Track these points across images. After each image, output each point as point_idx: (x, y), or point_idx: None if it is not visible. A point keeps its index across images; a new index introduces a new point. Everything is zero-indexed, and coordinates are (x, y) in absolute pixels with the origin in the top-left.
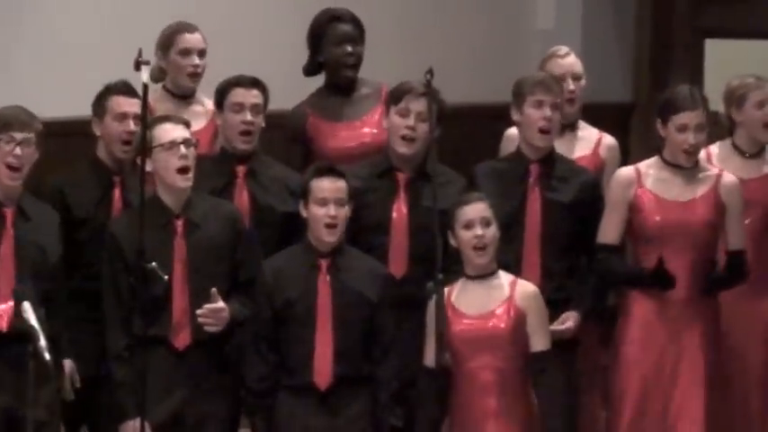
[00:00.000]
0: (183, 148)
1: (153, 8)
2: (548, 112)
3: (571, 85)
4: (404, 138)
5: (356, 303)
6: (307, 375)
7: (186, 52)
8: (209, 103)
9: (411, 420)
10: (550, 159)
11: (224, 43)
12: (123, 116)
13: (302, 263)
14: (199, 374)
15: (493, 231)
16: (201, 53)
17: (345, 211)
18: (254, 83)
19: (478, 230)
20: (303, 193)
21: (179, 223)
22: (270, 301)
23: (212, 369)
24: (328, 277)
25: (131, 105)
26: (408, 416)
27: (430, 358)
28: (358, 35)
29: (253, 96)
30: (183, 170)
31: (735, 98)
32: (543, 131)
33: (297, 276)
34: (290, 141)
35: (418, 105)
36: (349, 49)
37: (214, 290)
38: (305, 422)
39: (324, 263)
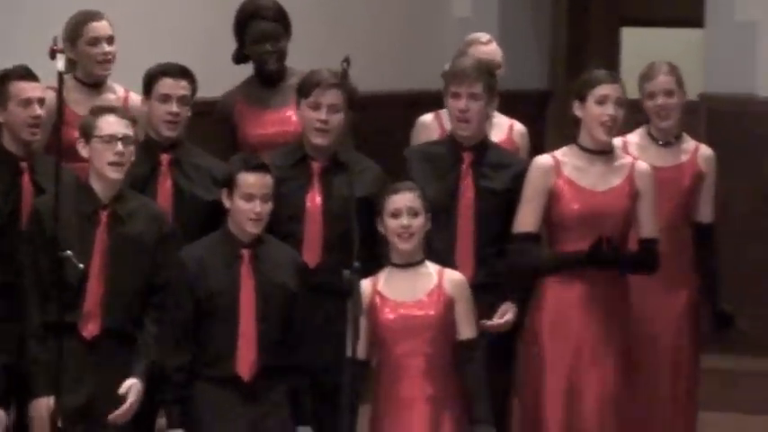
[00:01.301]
0: (120, 145)
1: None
2: (462, 104)
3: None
4: (317, 130)
5: (278, 294)
6: (230, 366)
7: (95, 41)
8: (122, 90)
9: (326, 407)
10: (483, 147)
11: (143, 30)
12: (27, 101)
13: (224, 253)
14: (107, 365)
15: (420, 221)
16: (110, 40)
17: (269, 207)
18: (183, 73)
19: (404, 220)
20: (228, 183)
21: (104, 214)
22: (191, 291)
23: (120, 360)
24: (250, 268)
25: (34, 90)
26: (322, 402)
27: (349, 347)
28: (280, 30)
29: (181, 88)
30: (114, 164)
31: (640, 85)
32: (461, 121)
33: (219, 267)
34: (218, 127)
35: (329, 97)
36: (269, 47)
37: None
38: (228, 413)
39: (246, 253)
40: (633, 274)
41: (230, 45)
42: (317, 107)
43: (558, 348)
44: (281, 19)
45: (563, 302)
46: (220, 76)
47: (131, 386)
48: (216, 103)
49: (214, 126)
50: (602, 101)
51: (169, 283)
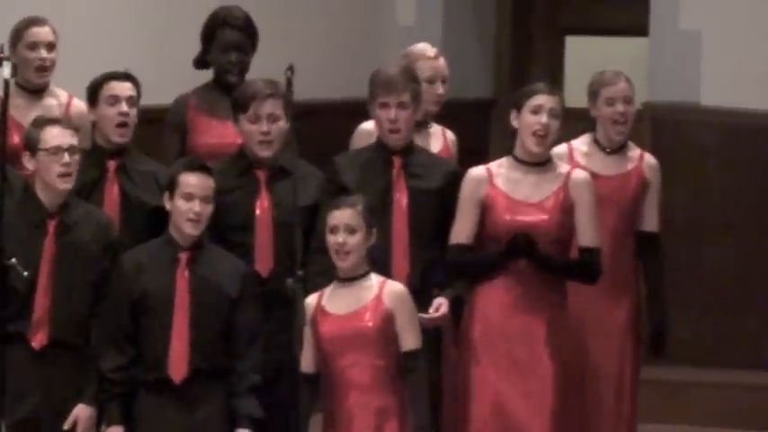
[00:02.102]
0: (66, 156)
1: (14, 2)
2: (392, 114)
3: (440, 89)
4: (261, 143)
5: (215, 298)
6: (162, 369)
7: (33, 46)
8: (64, 96)
9: (273, 415)
10: (411, 150)
11: (89, 37)
12: None
13: (162, 255)
14: (55, 375)
15: (357, 239)
16: (50, 47)
17: (210, 209)
18: (127, 76)
19: (340, 237)
20: (169, 186)
21: (52, 223)
22: (128, 292)
23: (70, 370)
24: (187, 271)
25: None
26: (269, 410)
27: (305, 365)
28: (247, 43)
29: (127, 89)
30: (63, 175)
31: (591, 93)
32: (391, 131)
33: (156, 268)
34: (169, 128)
35: (267, 108)
36: (234, 57)
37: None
38: (162, 417)
39: (183, 256)
40: (574, 281)
41: (178, 53)
42: (256, 119)
43: (490, 356)
44: (251, 32)
45: (495, 309)
46: (167, 84)
47: (79, 416)
48: (163, 111)
49: (166, 129)
50: (536, 110)
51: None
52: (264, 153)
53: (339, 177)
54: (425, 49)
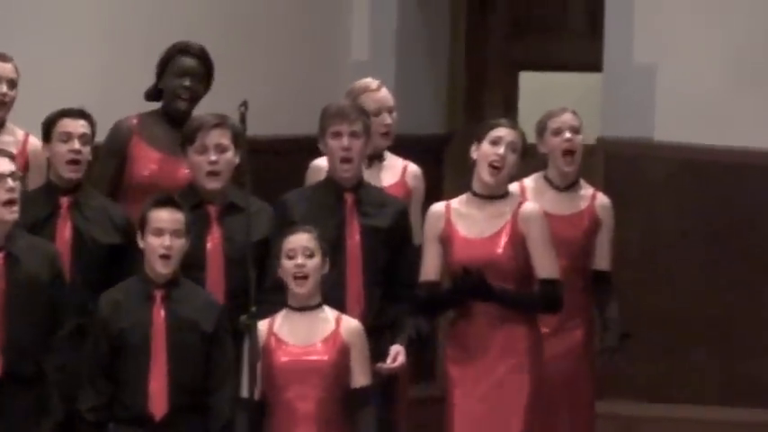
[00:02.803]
0: (9, 181)
1: None
2: (345, 141)
3: (388, 119)
4: (209, 174)
5: (191, 334)
6: (142, 406)
7: None
8: (21, 133)
9: None
10: (362, 187)
11: (45, 74)
12: None
13: (138, 293)
14: (12, 409)
15: (315, 262)
16: (11, 83)
17: (182, 243)
18: (82, 114)
19: (299, 260)
20: (141, 224)
21: (0, 256)
22: (105, 331)
23: (25, 404)
24: (162, 308)
25: None
26: None
27: (245, 389)
28: (203, 72)
29: (80, 126)
30: (9, 203)
31: (539, 129)
32: (344, 161)
33: (132, 307)
34: (109, 151)
35: (214, 138)
36: (187, 83)
37: None
38: None
39: (158, 294)
40: (535, 313)
41: (128, 90)
42: (203, 150)
43: (466, 388)
44: (206, 63)
45: (467, 342)
46: (118, 118)
47: None
48: None
49: (102, 153)
50: (495, 141)
51: (63, 323)
52: (212, 185)
53: (290, 214)
54: (368, 82)
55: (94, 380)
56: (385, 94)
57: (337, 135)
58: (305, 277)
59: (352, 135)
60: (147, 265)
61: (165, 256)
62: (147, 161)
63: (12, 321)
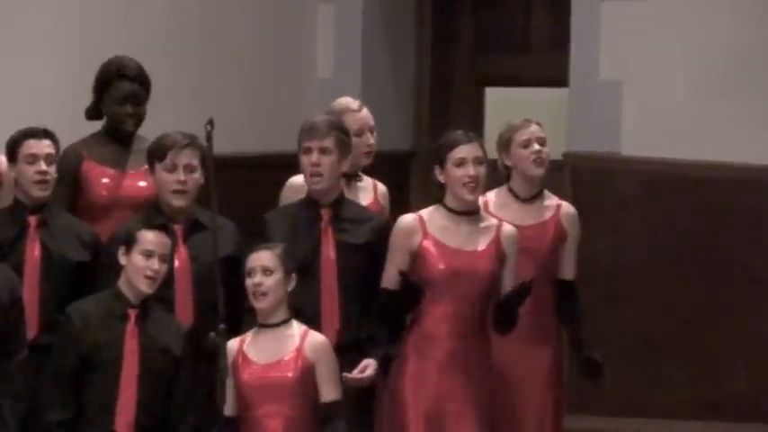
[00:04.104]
0: None
1: None
2: (314, 157)
3: (371, 139)
4: (176, 192)
5: (161, 357)
6: (107, 424)
7: None
8: None
9: None
10: (339, 203)
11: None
12: None
13: (111, 310)
14: None
15: (274, 280)
16: None
17: (165, 268)
18: (46, 134)
19: (256, 278)
20: (127, 241)
21: None
22: (76, 344)
23: None
24: (136, 328)
25: None
26: None
27: (219, 408)
28: (142, 93)
29: (46, 146)
30: None
31: (503, 143)
32: (313, 176)
33: (104, 323)
34: (62, 179)
35: (184, 158)
36: (130, 110)
37: None
38: None
39: (133, 313)
40: (497, 329)
41: (83, 103)
42: (173, 169)
43: (420, 406)
44: (144, 82)
45: (423, 365)
46: (83, 135)
47: None
48: None
49: (58, 177)
50: (460, 163)
51: (21, 352)
52: (178, 202)
53: (268, 233)
54: (348, 102)
55: (60, 392)
56: (366, 114)
57: (307, 151)
58: (263, 294)
59: (321, 151)
60: (124, 282)
61: (151, 278)
62: (102, 180)
63: None
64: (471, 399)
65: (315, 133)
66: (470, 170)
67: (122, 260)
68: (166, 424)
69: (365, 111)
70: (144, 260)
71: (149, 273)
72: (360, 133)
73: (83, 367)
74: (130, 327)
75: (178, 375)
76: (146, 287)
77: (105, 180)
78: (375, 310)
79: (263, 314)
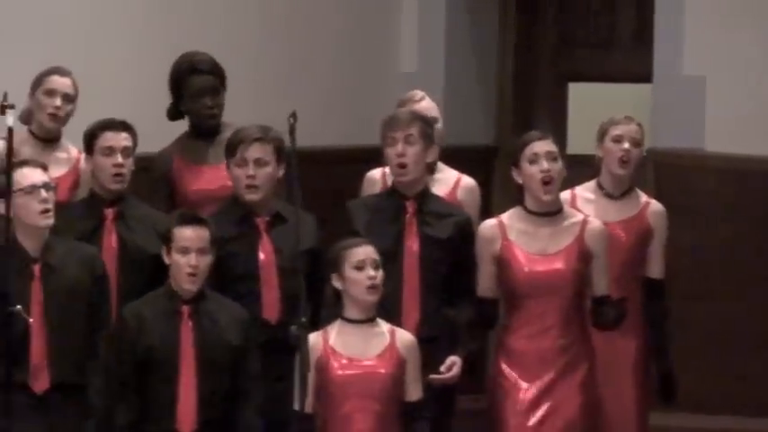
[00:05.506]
0: (43, 192)
1: (19, 53)
2: (399, 148)
3: None
4: (247, 187)
5: (219, 348)
6: (170, 422)
7: (50, 93)
8: (75, 151)
9: None
10: (424, 196)
11: (90, 88)
12: None
13: (164, 309)
14: (58, 420)
15: (381, 274)
16: (67, 97)
17: (208, 259)
18: (124, 126)
19: (371, 271)
20: (166, 240)
21: (36, 267)
22: (132, 346)
23: (72, 414)
24: (190, 323)
25: None
26: None
27: (296, 401)
28: (218, 84)
29: (123, 139)
30: (43, 212)
31: (599, 133)
32: (400, 167)
33: (159, 323)
34: (156, 185)
35: (254, 152)
36: (208, 102)
37: None
38: None
39: (186, 309)
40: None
41: (166, 99)
42: (243, 164)
43: (520, 385)
44: (218, 73)
45: (526, 352)
46: (159, 130)
47: None
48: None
49: (152, 184)
50: (533, 159)
51: (106, 327)
52: (250, 197)
53: (351, 222)
54: (412, 94)
55: (126, 395)
56: (427, 105)
57: (392, 141)
58: (376, 288)
59: (406, 141)
60: (173, 280)
61: (191, 274)
62: (197, 178)
63: (55, 331)
64: (575, 398)
65: (399, 124)
66: (543, 164)
67: (166, 259)
68: (231, 416)
69: (427, 101)
70: (182, 257)
71: (188, 269)
72: None
73: (141, 368)
74: (185, 322)
75: (240, 365)
76: (188, 284)
77: (192, 177)
78: (466, 315)
79: (367, 308)
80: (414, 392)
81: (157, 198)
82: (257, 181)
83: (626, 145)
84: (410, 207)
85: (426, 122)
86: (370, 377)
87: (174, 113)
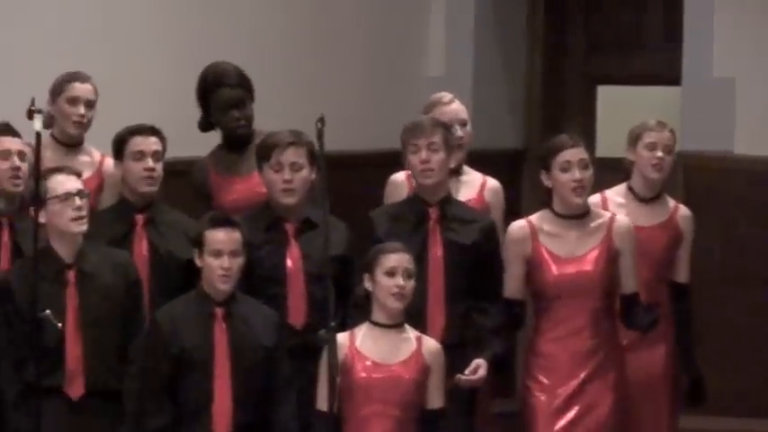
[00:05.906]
0: (77, 200)
1: (47, 56)
2: (423, 155)
3: (459, 132)
4: (284, 191)
5: (253, 351)
6: (206, 425)
7: (74, 101)
8: (97, 154)
9: None
10: (447, 202)
11: (117, 92)
12: (7, 153)
13: (198, 311)
14: (93, 425)
15: (412, 284)
16: (89, 104)
17: (240, 261)
18: (153, 130)
19: (400, 280)
20: (198, 243)
21: (71, 273)
22: (166, 350)
23: (107, 419)
24: (224, 325)
25: (13, 143)
26: None
27: (322, 402)
28: (245, 96)
29: (153, 143)
30: (77, 219)
31: (631, 138)
32: (424, 172)
33: (193, 325)
34: (196, 196)
35: (289, 156)
36: (236, 114)
37: None
38: None
39: (219, 311)
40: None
41: (193, 104)
42: (279, 168)
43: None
44: (245, 84)
45: (556, 354)
46: (190, 135)
47: None
48: (187, 163)
49: (192, 197)
50: (566, 167)
51: (141, 332)
52: (287, 200)
53: (375, 231)
54: (441, 96)
55: (159, 398)
56: (457, 107)
57: (416, 148)
58: (404, 297)
59: (430, 147)
60: (205, 283)
61: (224, 276)
62: (232, 189)
63: (90, 337)
64: (605, 400)
65: (422, 131)
66: (576, 174)
67: (198, 262)
68: (266, 418)
69: (456, 104)
70: (214, 260)
71: (221, 272)
72: (449, 126)
73: (175, 371)
74: (219, 325)
75: (273, 367)
76: (222, 285)
77: (227, 188)
78: (492, 321)
79: (394, 315)
80: (435, 400)
81: (199, 208)
82: (294, 185)
83: (659, 153)
84: (433, 213)
85: (447, 129)
86: (393, 382)
87: (205, 125)
